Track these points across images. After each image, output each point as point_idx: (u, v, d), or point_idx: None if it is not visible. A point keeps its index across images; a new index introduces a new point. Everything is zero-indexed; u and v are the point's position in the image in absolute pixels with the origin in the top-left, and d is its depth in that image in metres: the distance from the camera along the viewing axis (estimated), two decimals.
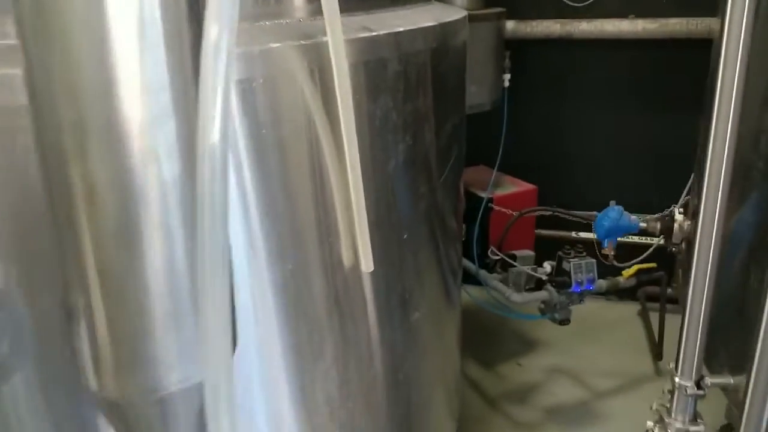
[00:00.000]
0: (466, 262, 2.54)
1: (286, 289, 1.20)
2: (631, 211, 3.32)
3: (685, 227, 1.52)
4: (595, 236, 2.12)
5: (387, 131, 1.26)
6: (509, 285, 2.38)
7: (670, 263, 3.14)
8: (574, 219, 2.51)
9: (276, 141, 1.11)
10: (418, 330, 1.54)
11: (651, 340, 2.98)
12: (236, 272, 1.15)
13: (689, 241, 1.46)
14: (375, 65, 1.18)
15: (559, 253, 2.29)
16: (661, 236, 1.69)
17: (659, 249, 3.15)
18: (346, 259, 1.22)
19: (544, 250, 2.93)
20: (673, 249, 1.68)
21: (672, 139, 3.10)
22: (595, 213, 3.25)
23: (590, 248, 3.29)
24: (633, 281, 2.49)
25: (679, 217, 1.56)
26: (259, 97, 1.05)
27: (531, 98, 3.15)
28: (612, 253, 2.14)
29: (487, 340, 3.11)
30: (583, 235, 3.19)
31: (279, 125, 1.10)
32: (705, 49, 3.00)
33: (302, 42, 1.03)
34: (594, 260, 2.27)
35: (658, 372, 2.83)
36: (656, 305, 3.11)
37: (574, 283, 2.22)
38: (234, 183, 1.09)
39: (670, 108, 3.05)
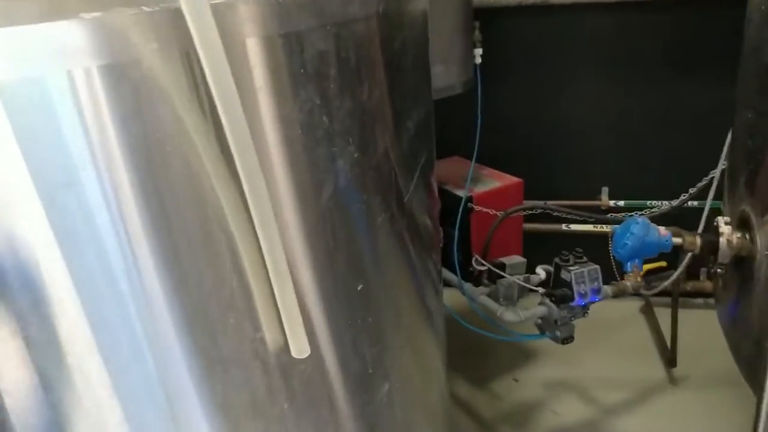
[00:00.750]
0: (447, 274, 2.14)
1: (210, 382, 0.82)
2: (628, 199, 2.97)
3: (735, 242, 1.14)
4: (613, 256, 1.73)
5: (316, 142, 0.84)
6: (499, 300, 1.99)
7: (676, 257, 2.80)
8: (570, 216, 2.13)
9: (160, 174, 0.71)
10: (391, 402, 1.14)
11: (661, 343, 2.64)
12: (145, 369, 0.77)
13: (740, 258, 1.08)
14: (286, 42, 0.76)
15: (556, 260, 1.91)
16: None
17: None
18: (271, 341, 0.82)
19: (532, 247, 2.54)
20: (719, 270, 1.29)
21: (672, 112, 2.73)
22: (594, 203, 2.89)
23: (586, 243, 2.91)
24: (641, 284, 2.12)
25: (725, 228, 1.18)
26: (105, 97, 0.64)
27: (507, 75, 2.75)
28: (638, 279, 1.75)
29: (476, 352, 2.73)
30: (574, 227, 2.82)
31: (147, 147, 0.69)
32: (703, 7, 2.65)
33: (144, 8, 0.61)
34: (597, 266, 1.89)
35: (673, 381, 2.49)
36: (661, 300, 2.77)
37: (576, 297, 1.84)
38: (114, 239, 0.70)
39: (667, 77, 2.68)
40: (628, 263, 1.69)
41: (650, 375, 2.53)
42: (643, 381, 2.49)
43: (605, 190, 2.85)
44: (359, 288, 0.98)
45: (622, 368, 2.58)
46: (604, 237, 2.87)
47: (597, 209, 2.83)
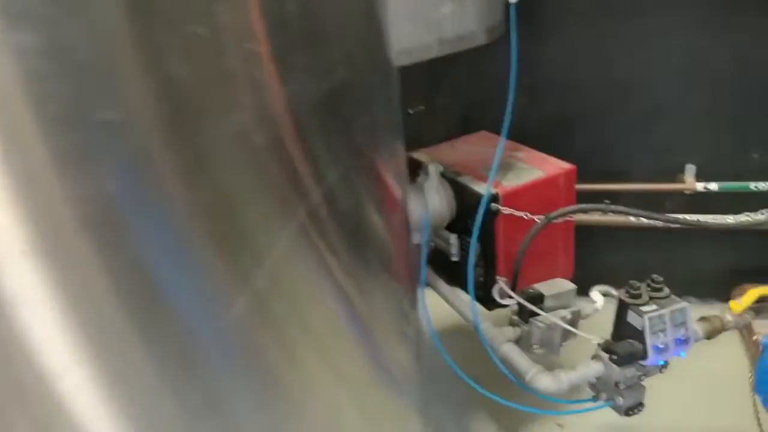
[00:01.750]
0: (460, 305, 1.55)
1: None
2: (723, 180, 2.24)
3: None
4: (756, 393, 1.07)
5: None
6: (532, 346, 1.38)
7: None
8: (645, 218, 1.46)
9: None
10: None
11: None
12: None
13: None
14: None
15: (621, 295, 1.27)
16: None
17: None
18: None
19: (585, 251, 1.89)
20: None
21: None
22: (676, 187, 2.17)
23: (664, 241, 2.23)
24: (750, 316, 1.46)
25: None
26: None
27: (556, 19, 2.05)
28: None
29: (509, 385, 2.13)
30: (647, 220, 2.13)
31: None
32: None
33: None
34: (685, 305, 1.25)
35: None
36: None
37: (652, 354, 1.21)
38: None
39: None
40: None
41: (750, 425, 1.86)
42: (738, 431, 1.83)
43: (690, 168, 2.13)
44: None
45: (709, 411, 1.92)
46: (690, 232, 2.18)
47: (678, 195, 2.13)
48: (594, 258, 2.11)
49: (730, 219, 1.37)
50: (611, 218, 2.15)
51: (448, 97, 2.16)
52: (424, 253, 1.49)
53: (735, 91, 2.06)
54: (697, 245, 2.26)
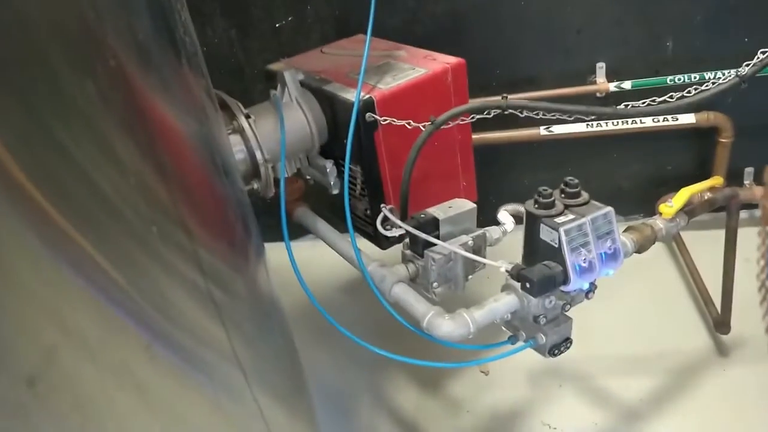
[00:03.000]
0: (344, 249, 1.24)
1: None
2: (638, 77, 2.00)
3: None
4: None
5: None
6: (431, 284, 1.09)
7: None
8: (552, 115, 1.17)
9: None
10: None
11: (704, 297, 1.77)
12: None
13: None
14: None
15: (529, 206, 0.99)
16: None
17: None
18: None
19: (491, 173, 1.61)
20: None
21: None
22: (587, 89, 1.90)
23: (581, 154, 2.00)
24: (683, 220, 1.23)
25: None
26: None
27: None
28: None
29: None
30: (559, 130, 1.89)
31: None
32: None
33: None
34: (609, 208, 0.98)
35: (723, 352, 1.65)
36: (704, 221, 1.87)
37: (573, 276, 0.94)
38: None
39: None
40: None
41: (687, 342, 1.68)
42: (679, 351, 1.65)
43: (601, 67, 1.89)
44: None
45: (647, 333, 1.73)
46: (606, 143, 1.95)
47: (591, 98, 1.89)
48: (501, 179, 1.86)
49: (643, 104, 1.11)
50: (517, 134, 1.89)
51: (320, 4, 1.80)
52: (283, 190, 1.16)
53: None
54: (615, 157, 2.05)
